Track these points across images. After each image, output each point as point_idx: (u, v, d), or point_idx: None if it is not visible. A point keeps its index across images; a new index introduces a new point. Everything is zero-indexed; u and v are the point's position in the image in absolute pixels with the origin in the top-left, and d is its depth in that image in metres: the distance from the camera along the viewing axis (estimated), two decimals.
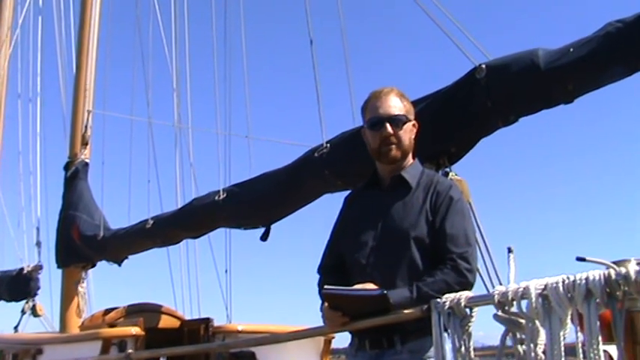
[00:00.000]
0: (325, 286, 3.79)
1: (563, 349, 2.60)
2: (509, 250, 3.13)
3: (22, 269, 13.38)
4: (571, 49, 4.78)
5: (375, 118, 4.04)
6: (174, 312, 9.57)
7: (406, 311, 3.46)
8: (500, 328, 2.95)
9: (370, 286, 3.68)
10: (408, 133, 4.07)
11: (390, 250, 3.87)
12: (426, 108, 5.57)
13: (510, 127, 5.20)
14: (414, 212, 3.88)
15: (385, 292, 3.59)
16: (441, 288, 3.54)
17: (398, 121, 4.02)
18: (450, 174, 5.31)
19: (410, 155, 4.12)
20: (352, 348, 3.98)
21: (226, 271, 10.26)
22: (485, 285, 4.99)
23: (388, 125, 3.99)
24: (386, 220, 3.95)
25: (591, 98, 4.85)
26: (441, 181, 4.02)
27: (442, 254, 3.73)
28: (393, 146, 4.01)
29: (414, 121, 4.13)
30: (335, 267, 4.15)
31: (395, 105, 4.04)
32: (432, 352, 3.59)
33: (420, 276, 3.71)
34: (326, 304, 3.82)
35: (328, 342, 8.74)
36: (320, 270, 4.25)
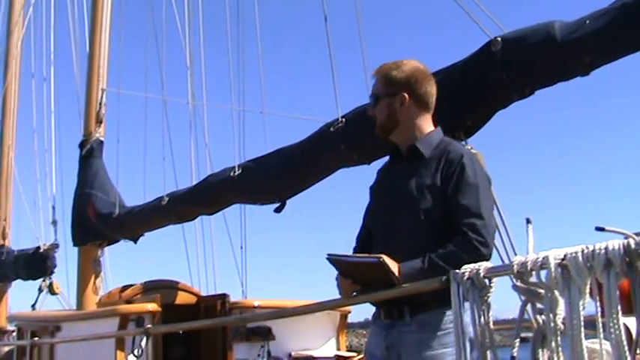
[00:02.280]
0: (328, 252, 3.82)
1: (582, 318, 2.60)
2: (528, 221, 3.13)
3: (38, 248, 13.44)
4: (587, 21, 4.75)
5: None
6: (191, 288, 9.64)
7: (425, 282, 3.47)
8: (515, 302, 2.96)
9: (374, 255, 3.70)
10: (384, 108, 4.09)
11: (403, 222, 3.88)
12: (442, 81, 5.51)
13: (528, 99, 5.19)
14: (425, 184, 3.84)
15: (382, 258, 3.58)
16: (451, 260, 3.50)
17: (371, 103, 4.18)
18: (467, 147, 5.31)
19: (424, 124, 4.10)
20: (373, 315, 4.03)
21: (242, 248, 10.33)
22: (500, 257, 5.02)
23: (371, 107, 4.18)
24: (400, 192, 3.94)
25: (607, 70, 4.84)
26: (453, 150, 3.91)
27: (454, 226, 3.68)
28: (377, 124, 4.15)
29: (401, 93, 4.06)
30: (365, 237, 4.21)
31: (374, 84, 4.17)
32: (442, 325, 3.67)
33: (427, 248, 3.68)
34: (339, 271, 3.88)
35: (344, 316, 8.79)
36: (356, 239, 4.30)
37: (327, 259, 3.81)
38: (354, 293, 3.86)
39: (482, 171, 3.90)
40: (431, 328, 3.68)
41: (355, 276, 3.79)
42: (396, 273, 3.60)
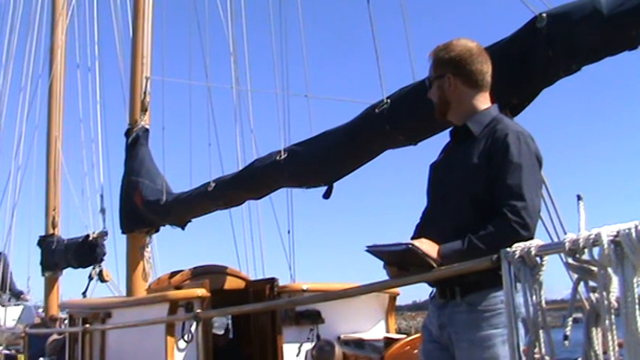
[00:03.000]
0: (367, 245, 3.84)
1: (637, 296, 2.57)
2: (579, 198, 3.08)
3: (87, 236, 13.62)
4: None
5: None
6: (239, 273, 9.69)
7: (476, 262, 3.44)
8: (565, 282, 2.92)
9: (423, 241, 3.68)
10: (435, 90, 4.13)
11: (452, 202, 3.87)
12: None
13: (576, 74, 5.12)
14: (472, 163, 3.81)
15: (411, 245, 3.59)
16: (489, 241, 3.50)
17: (429, 84, 4.21)
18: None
19: (479, 102, 4.06)
20: (430, 295, 4.05)
21: (289, 232, 10.34)
22: (550, 236, 4.96)
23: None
24: (451, 172, 3.96)
25: None
26: (500, 128, 3.83)
27: (497, 207, 3.62)
28: (435, 106, 4.18)
29: (447, 74, 4.06)
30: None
31: (429, 68, 4.19)
32: (492, 306, 3.66)
33: (472, 228, 3.65)
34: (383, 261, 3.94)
35: (393, 299, 8.77)
36: (420, 216, 4.30)
37: (367, 251, 3.84)
38: None
39: (528, 150, 3.76)
40: (480, 308, 3.67)
41: (398, 262, 3.83)
42: (434, 255, 3.61)
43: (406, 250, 3.61)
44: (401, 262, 3.80)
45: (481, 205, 3.72)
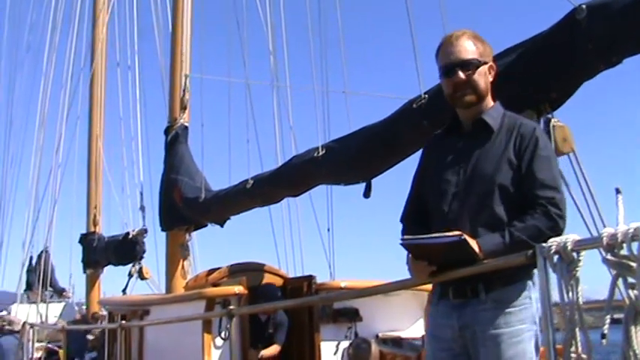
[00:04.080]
0: (403, 237, 3.73)
1: None
2: (617, 191, 3.00)
3: (127, 234, 13.74)
4: None
5: (448, 65, 3.91)
6: (278, 270, 9.68)
7: (511, 257, 3.37)
8: (607, 282, 2.83)
9: (452, 233, 3.56)
10: (483, 76, 3.91)
11: (474, 196, 3.76)
12: (525, 53, 5.44)
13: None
14: (497, 157, 3.75)
15: (464, 237, 3.49)
16: (532, 233, 3.47)
17: (470, 65, 3.87)
18: (553, 120, 5.18)
19: (489, 97, 3.97)
20: (435, 296, 3.93)
21: (328, 230, 10.31)
22: (588, 230, 4.88)
23: (460, 72, 3.86)
24: (468, 166, 3.83)
25: None
26: (525, 124, 3.83)
27: (531, 200, 3.61)
28: (468, 90, 3.88)
29: (490, 63, 3.98)
30: (417, 216, 4.07)
31: (466, 49, 3.89)
32: (518, 301, 3.61)
33: (502, 224, 3.62)
34: (410, 255, 3.76)
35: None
36: (403, 220, 4.16)
37: (402, 244, 3.70)
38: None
39: (550, 144, 3.89)
40: (507, 304, 3.61)
41: (430, 257, 3.68)
42: (476, 249, 3.52)
43: (457, 242, 3.48)
44: (434, 257, 3.66)
45: (510, 199, 3.68)
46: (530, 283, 3.65)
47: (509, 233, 3.55)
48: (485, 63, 3.94)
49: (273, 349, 8.47)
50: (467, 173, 3.82)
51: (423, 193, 4.08)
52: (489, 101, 3.97)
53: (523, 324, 3.58)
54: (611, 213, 3.09)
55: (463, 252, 3.50)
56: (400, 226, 4.15)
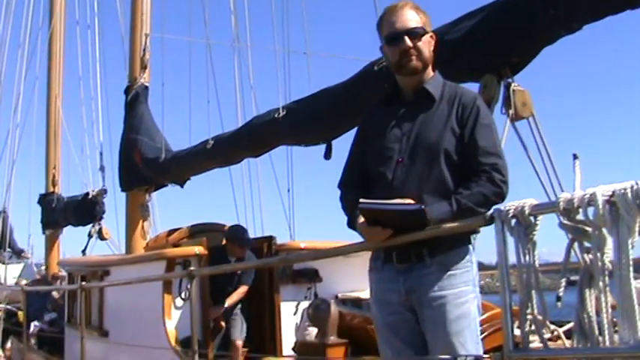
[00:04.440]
0: (361, 200, 3.73)
1: (631, 257, 2.53)
2: (575, 157, 3.04)
3: (87, 194, 13.65)
4: None
5: (394, 33, 3.96)
6: None
7: (468, 221, 3.44)
8: (564, 244, 2.87)
9: (407, 201, 3.65)
10: (427, 44, 3.99)
11: (419, 163, 3.82)
12: (487, 17, 5.46)
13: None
14: (440, 125, 3.84)
15: (423, 206, 3.56)
16: (479, 200, 3.61)
17: (416, 34, 3.93)
18: (513, 85, 5.21)
19: (430, 67, 4.04)
20: (378, 262, 3.97)
21: (288, 191, 10.34)
22: (546, 193, 4.95)
23: (407, 38, 3.91)
24: (412, 134, 3.89)
25: None
26: (466, 93, 3.95)
27: (474, 166, 3.72)
28: (414, 57, 3.93)
29: (431, 33, 4.04)
30: (357, 182, 4.11)
31: (411, 18, 3.95)
32: (461, 264, 3.73)
33: (448, 190, 3.72)
34: (362, 219, 3.79)
35: None
36: (341, 185, 4.21)
37: (360, 207, 3.73)
38: None
39: (490, 113, 4.06)
40: (451, 267, 3.72)
41: (383, 223, 3.70)
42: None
43: (416, 211, 3.55)
44: (388, 222, 3.68)
45: (454, 165, 3.78)
46: (470, 247, 3.79)
47: (456, 201, 3.64)
48: (427, 32, 4.00)
49: (242, 290, 8.46)
50: (410, 140, 3.87)
51: (363, 161, 4.11)
52: (430, 71, 4.04)
53: (467, 286, 3.71)
54: (569, 177, 3.13)
55: (417, 220, 3.55)
56: (338, 192, 4.20)
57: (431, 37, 4.02)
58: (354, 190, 4.02)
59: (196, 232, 9.19)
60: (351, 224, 3.95)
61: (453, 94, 3.92)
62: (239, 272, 8.42)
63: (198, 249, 7.87)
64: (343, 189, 4.19)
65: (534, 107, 5.21)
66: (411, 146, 3.86)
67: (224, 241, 8.61)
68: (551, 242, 3.46)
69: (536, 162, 5.13)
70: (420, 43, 3.94)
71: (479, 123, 3.79)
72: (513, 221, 2.97)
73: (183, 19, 12.46)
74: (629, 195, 2.50)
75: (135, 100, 11.11)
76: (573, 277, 2.89)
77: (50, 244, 16.06)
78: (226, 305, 8.29)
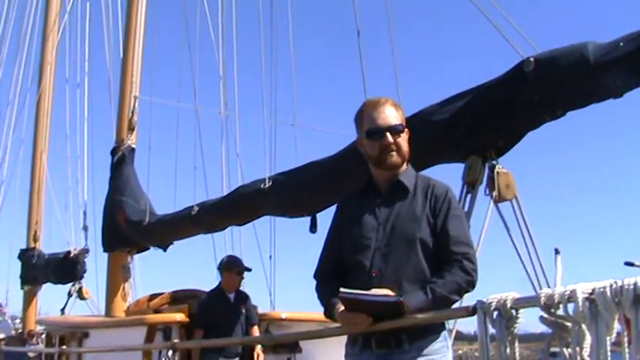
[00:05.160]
0: (341, 290, 3.75)
1: (609, 353, 2.57)
2: (557, 252, 3.11)
3: (69, 252, 13.61)
4: (621, 44, 4.73)
5: (375, 128, 4.04)
6: None
7: (452, 311, 3.50)
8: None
9: (386, 291, 3.69)
10: (405, 141, 4.09)
11: (397, 252, 3.89)
12: (473, 100, 5.55)
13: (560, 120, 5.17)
14: (415, 215, 3.93)
15: (401, 298, 3.62)
16: (452, 288, 3.70)
17: (397, 130, 4.03)
18: (497, 167, 5.30)
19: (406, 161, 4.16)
20: (355, 347, 3.97)
21: (270, 257, 10.31)
22: (532, 284, 4.99)
23: (388, 134, 4.01)
24: (388, 223, 3.97)
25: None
26: (438, 185, 4.04)
27: (446, 256, 3.82)
28: (394, 153, 4.03)
29: (406, 130, 4.13)
30: (332, 272, 4.16)
31: (392, 115, 4.06)
32: (439, 350, 3.76)
33: (425, 277, 3.79)
34: (342, 307, 3.81)
35: None
36: (317, 276, 4.26)
37: (341, 297, 3.75)
38: None
39: (460, 205, 4.27)
40: (430, 353, 3.74)
41: (363, 311, 3.74)
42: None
43: (395, 303, 3.61)
44: (369, 311, 3.72)
45: (430, 253, 3.85)
46: (445, 333, 3.85)
47: (432, 290, 3.69)
48: (405, 129, 4.10)
49: (256, 330, 8.46)
50: (386, 230, 3.94)
51: (339, 250, 4.16)
52: (404, 164, 4.13)
53: None
54: (550, 255, 3.19)
55: (396, 310, 3.62)
56: (314, 282, 4.23)
57: (406, 133, 4.10)
58: (329, 281, 4.08)
59: (178, 298, 9.17)
60: (329, 313, 3.98)
61: (425, 186, 4.03)
62: (243, 310, 8.41)
63: (180, 316, 7.85)
64: (319, 279, 4.23)
65: (517, 189, 5.29)
66: (387, 235, 3.93)
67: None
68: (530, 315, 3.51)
69: (518, 244, 5.19)
70: (399, 139, 4.03)
71: (450, 214, 3.90)
72: (495, 313, 3.02)
73: (172, 83, 12.57)
74: (608, 293, 2.55)
75: (121, 161, 11.16)
76: (553, 349, 2.95)
77: (28, 299, 15.92)
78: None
